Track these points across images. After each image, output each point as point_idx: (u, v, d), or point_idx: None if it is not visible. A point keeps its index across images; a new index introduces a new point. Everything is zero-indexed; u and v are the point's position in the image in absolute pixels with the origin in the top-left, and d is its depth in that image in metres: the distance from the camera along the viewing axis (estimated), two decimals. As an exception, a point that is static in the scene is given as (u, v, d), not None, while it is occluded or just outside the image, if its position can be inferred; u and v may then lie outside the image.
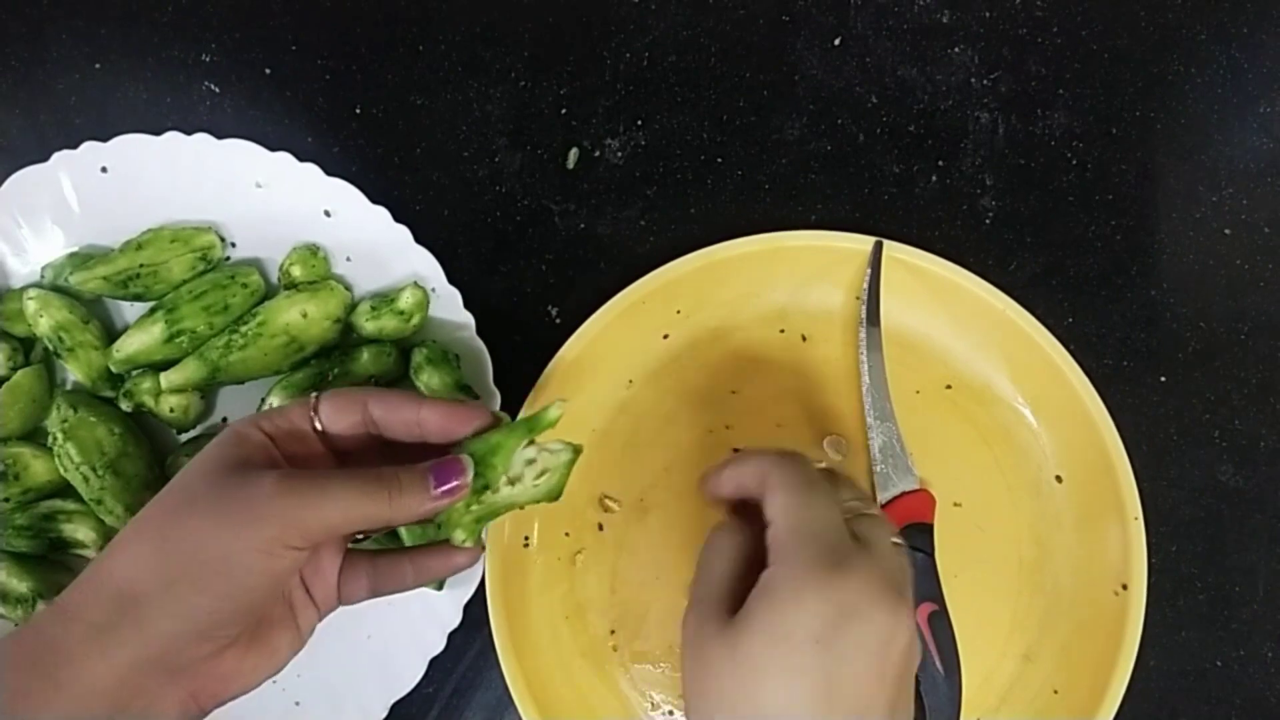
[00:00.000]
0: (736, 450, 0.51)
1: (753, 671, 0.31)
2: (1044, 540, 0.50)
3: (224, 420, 0.51)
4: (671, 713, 0.49)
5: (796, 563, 0.32)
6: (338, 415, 0.37)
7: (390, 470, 0.35)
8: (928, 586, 0.48)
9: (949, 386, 0.51)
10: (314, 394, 0.38)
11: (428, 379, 0.47)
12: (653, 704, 0.49)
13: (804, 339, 0.52)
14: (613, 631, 0.50)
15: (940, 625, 0.47)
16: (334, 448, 0.38)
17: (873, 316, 0.50)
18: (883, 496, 0.49)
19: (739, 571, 0.34)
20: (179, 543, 0.33)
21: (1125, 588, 0.47)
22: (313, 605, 0.38)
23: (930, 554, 0.48)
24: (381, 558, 0.41)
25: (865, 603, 0.31)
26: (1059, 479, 0.50)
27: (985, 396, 0.51)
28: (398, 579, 0.41)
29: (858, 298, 0.51)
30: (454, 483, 0.36)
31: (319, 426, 0.37)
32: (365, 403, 0.38)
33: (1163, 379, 0.53)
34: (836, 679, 0.30)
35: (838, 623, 0.31)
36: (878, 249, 0.50)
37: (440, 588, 0.47)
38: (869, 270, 0.50)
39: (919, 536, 0.48)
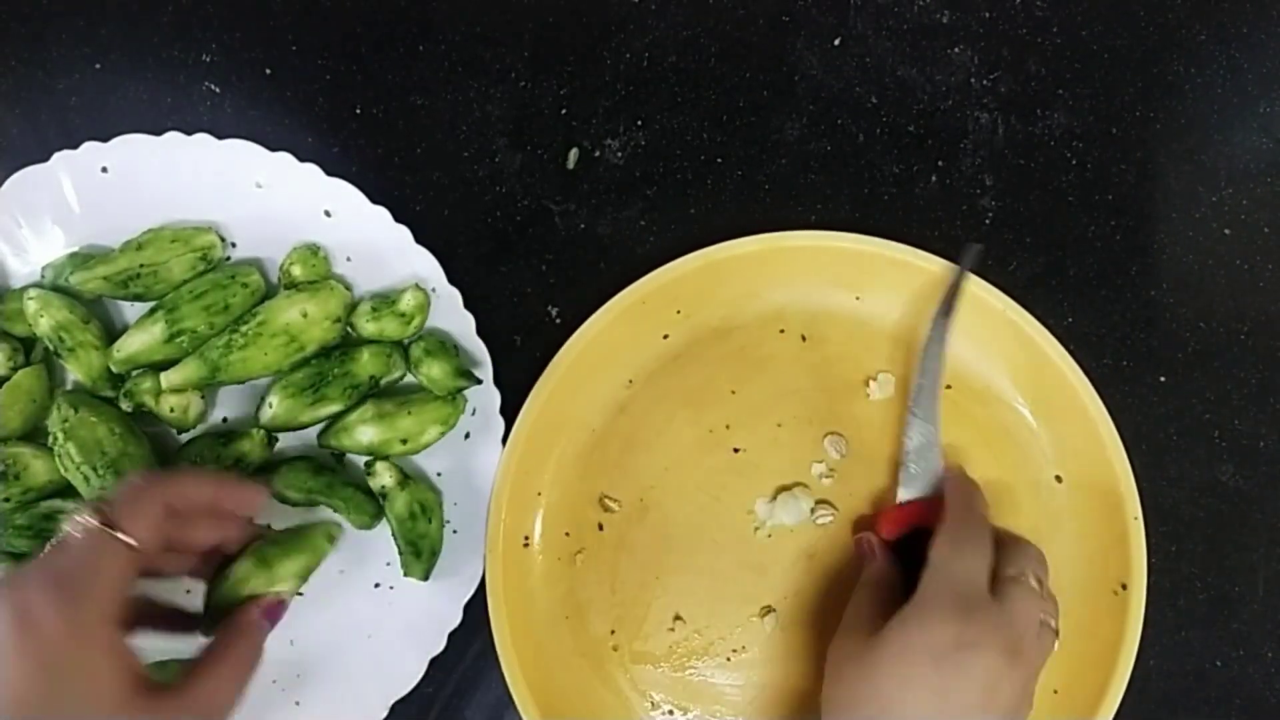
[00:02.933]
0: (736, 450, 0.51)
1: (882, 678, 0.39)
2: (1044, 540, 0.50)
3: (224, 420, 0.51)
4: (671, 713, 0.49)
5: (933, 600, 0.40)
6: (141, 522, 0.38)
7: (230, 635, 0.41)
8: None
9: (949, 386, 0.51)
10: (92, 519, 0.37)
11: (428, 370, 0.47)
12: (652, 704, 0.49)
13: (804, 339, 0.52)
14: (613, 631, 0.50)
15: (940, 625, 0.47)
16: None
17: (947, 308, 0.48)
18: (904, 494, 0.48)
19: (885, 604, 0.42)
20: None
21: (1125, 587, 0.47)
22: None
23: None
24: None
25: (982, 643, 0.38)
26: (1059, 479, 0.50)
27: (985, 396, 0.51)
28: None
29: (857, 298, 0.51)
30: (282, 615, 0.43)
31: (134, 544, 0.37)
32: (159, 502, 0.39)
33: (1163, 379, 0.53)
34: (945, 696, 0.37)
35: (953, 651, 0.38)
36: (969, 255, 0.49)
37: (426, 578, 0.47)
38: (955, 271, 0.49)
39: (926, 542, 0.48)
